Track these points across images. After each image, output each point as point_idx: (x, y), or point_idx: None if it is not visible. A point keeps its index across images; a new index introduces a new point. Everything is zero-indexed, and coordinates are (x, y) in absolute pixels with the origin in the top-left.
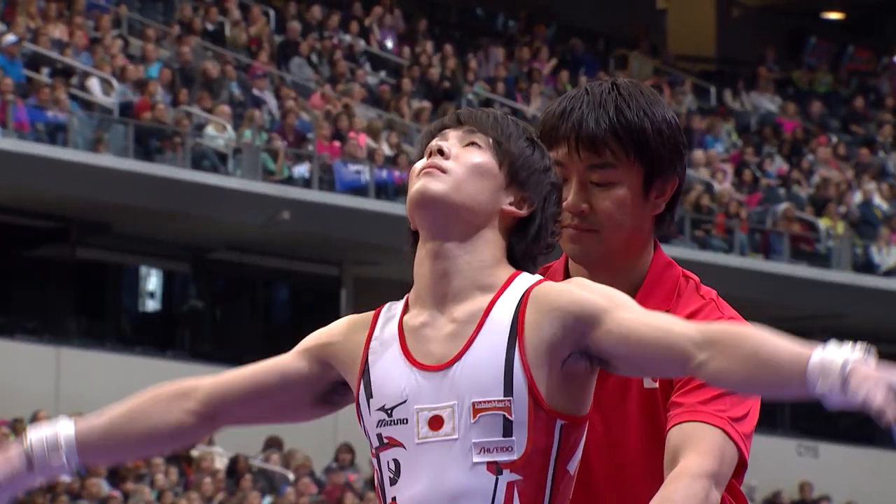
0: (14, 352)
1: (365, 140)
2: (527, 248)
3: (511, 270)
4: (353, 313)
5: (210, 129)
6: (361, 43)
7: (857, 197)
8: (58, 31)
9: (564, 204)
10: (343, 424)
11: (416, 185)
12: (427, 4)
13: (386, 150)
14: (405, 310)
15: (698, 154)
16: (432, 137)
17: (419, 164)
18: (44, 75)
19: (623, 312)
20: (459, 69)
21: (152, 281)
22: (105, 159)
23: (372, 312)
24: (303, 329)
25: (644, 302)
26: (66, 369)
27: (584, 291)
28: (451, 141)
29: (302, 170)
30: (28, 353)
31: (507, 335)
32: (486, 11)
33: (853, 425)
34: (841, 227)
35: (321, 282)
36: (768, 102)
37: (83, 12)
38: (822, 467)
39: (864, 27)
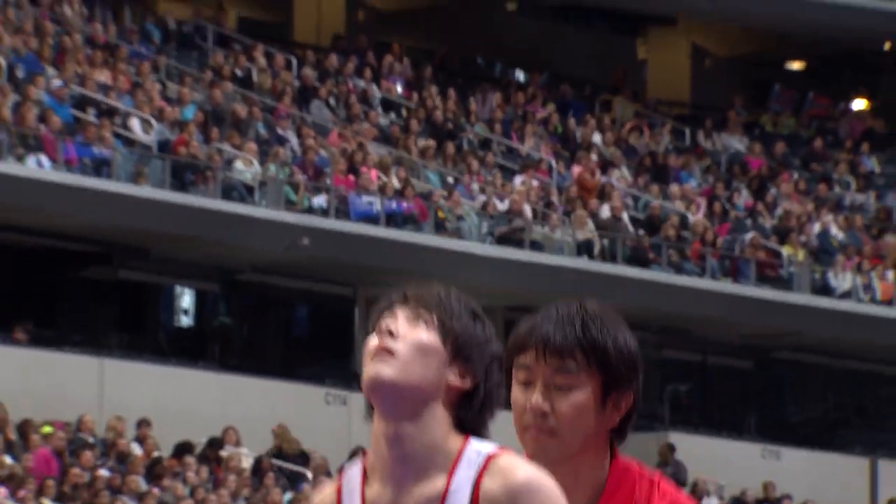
0: (63, 363)
1: (376, 174)
2: (475, 418)
3: (460, 440)
4: (365, 330)
5: (238, 164)
6: (374, 88)
7: (816, 228)
8: (103, 76)
9: (528, 404)
10: (356, 430)
11: (369, 371)
12: (432, 53)
13: (395, 183)
14: (364, 479)
15: (674, 188)
16: (383, 314)
17: (372, 345)
18: (90, 115)
19: None
20: (461, 111)
21: (186, 300)
22: (144, 191)
23: (334, 491)
24: (320, 343)
25: None
26: (108, 379)
27: None
28: (400, 320)
29: (320, 200)
30: (75, 364)
31: None
32: (486, 60)
33: (812, 432)
34: (801, 255)
35: (337, 301)
36: (737, 143)
37: (126, 59)
38: (783, 469)
39: (823, 77)
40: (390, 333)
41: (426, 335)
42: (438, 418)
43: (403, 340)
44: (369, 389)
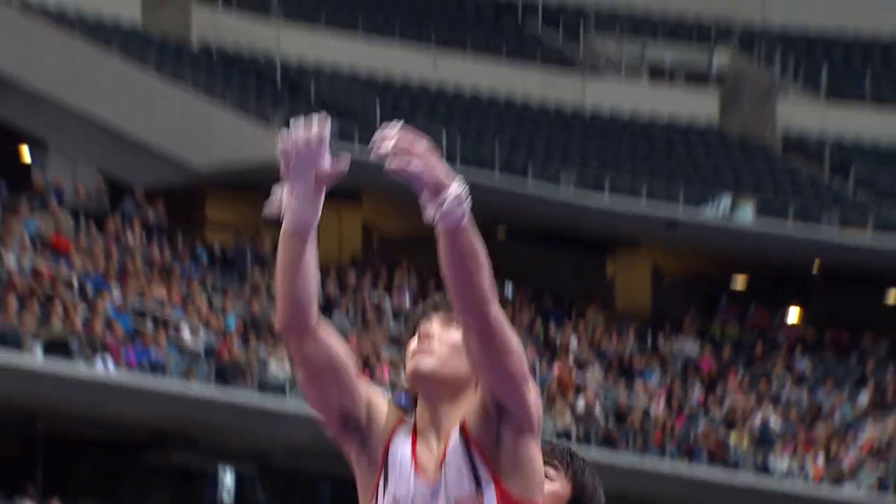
0: None
1: (388, 372)
2: None
3: None
4: None
5: (272, 365)
6: (386, 300)
7: (758, 419)
8: (159, 292)
9: None
10: None
11: (411, 365)
12: (434, 272)
13: (404, 381)
14: (415, 428)
15: (639, 385)
16: (421, 320)
17: (413, 346)
18: (148, 325)
19: None
20: None
21: (228, 480)
22: (193, 388)
23: (401, 414)
24: None
25: None
26: None
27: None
28: (435, 324)
29: None
30: None
31: (460, 441)
32: None
33: None
34: (746, 442)
35: (355, 482)
36: (691, 347)
37: (178, 277)
38: None
39: (763, 292)
40: (428, 336)
41: (458, 335)
42: (470, 399)
43: (439, 341)
44: (413, 379)
